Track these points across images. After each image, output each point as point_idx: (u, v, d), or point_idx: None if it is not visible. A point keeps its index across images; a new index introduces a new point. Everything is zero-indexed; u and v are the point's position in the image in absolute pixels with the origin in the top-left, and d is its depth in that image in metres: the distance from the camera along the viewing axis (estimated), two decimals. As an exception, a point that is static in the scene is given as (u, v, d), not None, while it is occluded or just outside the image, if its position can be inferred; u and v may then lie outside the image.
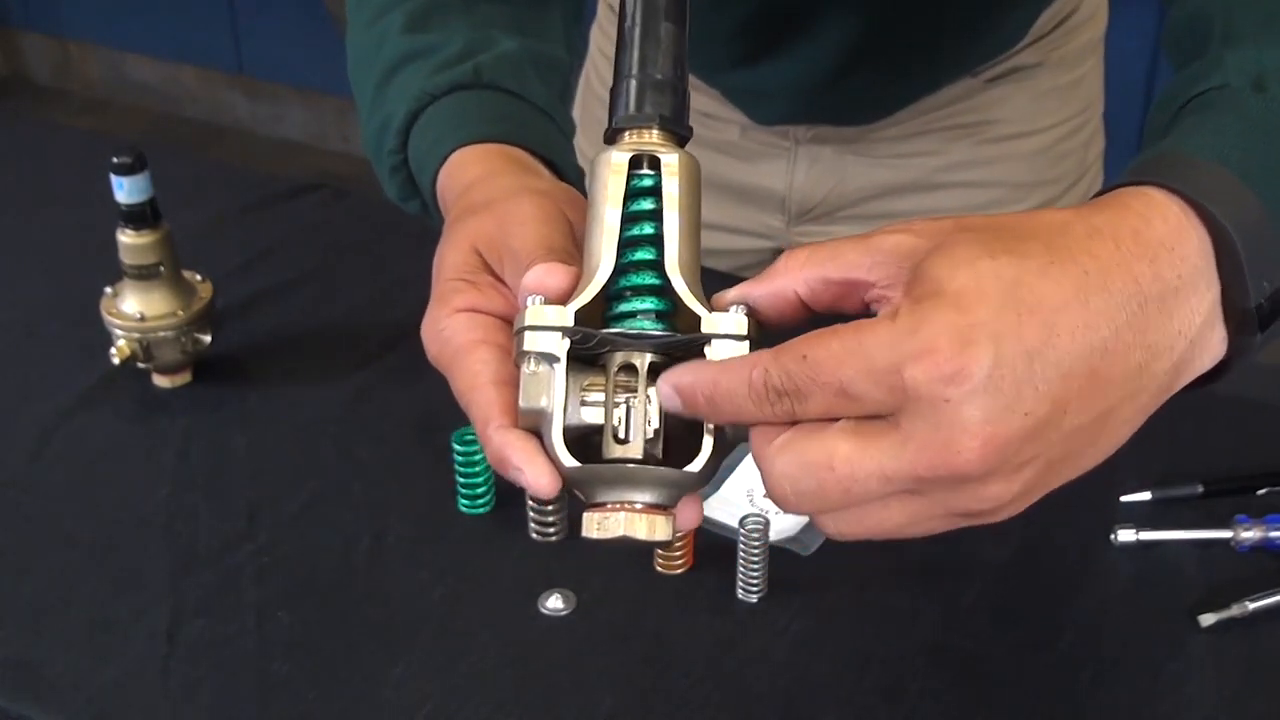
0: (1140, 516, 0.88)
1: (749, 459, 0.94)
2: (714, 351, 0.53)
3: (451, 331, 0.60)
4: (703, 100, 1.11)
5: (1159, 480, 0.91)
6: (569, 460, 0.53)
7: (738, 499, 0.90)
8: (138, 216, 0.97)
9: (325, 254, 1.18)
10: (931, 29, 0.99)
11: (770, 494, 0.51)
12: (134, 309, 0.99)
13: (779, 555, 0.85)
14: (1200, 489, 0.90)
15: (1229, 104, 0.57)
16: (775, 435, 0.50)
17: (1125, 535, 0.86)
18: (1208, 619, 0.81)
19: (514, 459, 0.55)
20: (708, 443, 0.53)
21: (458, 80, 0.74)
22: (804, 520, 0.89)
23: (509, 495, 0.90)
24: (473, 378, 0.58)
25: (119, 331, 0.99)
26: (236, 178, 1.35)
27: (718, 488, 0.91)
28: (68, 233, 1.21)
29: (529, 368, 0.54)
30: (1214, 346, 0.52)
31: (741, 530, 0.82)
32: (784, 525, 0.88)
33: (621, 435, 0.54)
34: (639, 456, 0.53)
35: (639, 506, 0.53)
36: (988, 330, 0.46)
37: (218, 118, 3.50)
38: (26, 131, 1.52)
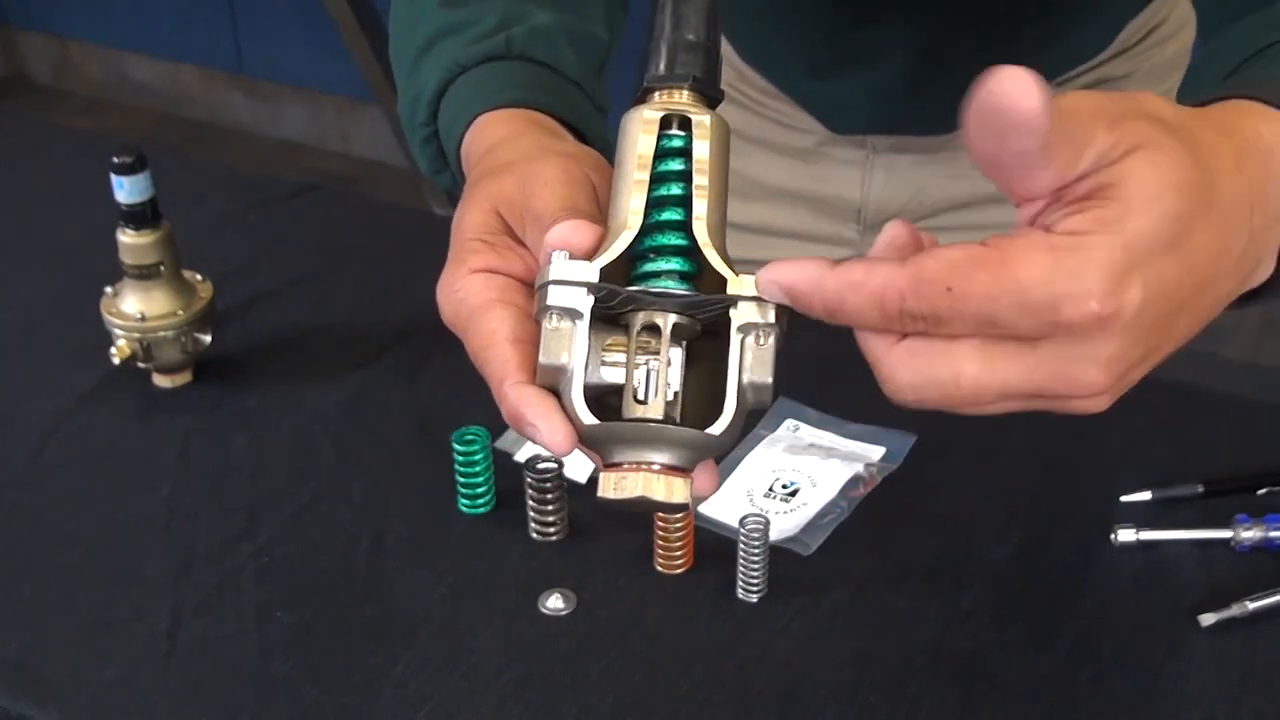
0: (1140, 516, 0.88)
1: (749, 459, 0.94)
2: (739, 315, 0.53)
3: (467, 292, 0.59)
4: (780, 108, 1.11)
5: (1159, 480, 0.91)
6: (589, 418, 0.53)
7: (738, 499, 0.90)
8: (138, 216, 0.97)
9: (325, 254, 1.18)
10: (1005, 34, 0.98)
11: (888, 391, 0.50)
12: (134, 309, 0.99)
13: (779, 555, 0.85)
14: (1200, 489, 0.90)
15: None
16: (893, 337, 0.50)
17: (1125, 535, 0.86)
18: (1208, 619, 0.81)
19: (529, 414, 0.54)
20: (729, 407, 0.52)
21: (489, 51, 0.74)
22: (804, 520, 0.89)
23: (509, 495, 0.90)
24: (489, 335, 0.57)
25: (119, 331, 0.99)
26: (236, 178, 1.35)
27: (721, 483, 0.91)
28: (68, 233, 1.21)
29: (551, 323, 0.53)
30: (1263, 272, 0.54)
31: (741, 530, 0.82)
32: (784, 525, 0.88)
33: (641, 396, 0.53)
34: (659, 417, 0.53)
35: (657, 467, 0.53)
36: (1147, 276, 0.46)
37: (218, 118, 3.50)
38: (26, 131, 1.52)
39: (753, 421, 0.97)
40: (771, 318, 0.53)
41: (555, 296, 0.53)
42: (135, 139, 1.65)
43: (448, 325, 0.60)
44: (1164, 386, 1.04)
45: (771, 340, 0.53)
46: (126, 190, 0.96)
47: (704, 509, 0.89)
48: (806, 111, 1.10)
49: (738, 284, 0.53)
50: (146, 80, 3.57)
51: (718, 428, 0.53)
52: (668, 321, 0.54)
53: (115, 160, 0.95)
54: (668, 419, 0.53)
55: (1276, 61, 0.60)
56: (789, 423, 0.97)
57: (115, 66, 3.59)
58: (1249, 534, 0.86)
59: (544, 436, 0.54)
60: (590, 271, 0.53)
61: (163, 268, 0.99)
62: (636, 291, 0.54)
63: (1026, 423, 0.97)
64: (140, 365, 1.00)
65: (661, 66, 0.56)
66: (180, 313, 0.99)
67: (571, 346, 0.53)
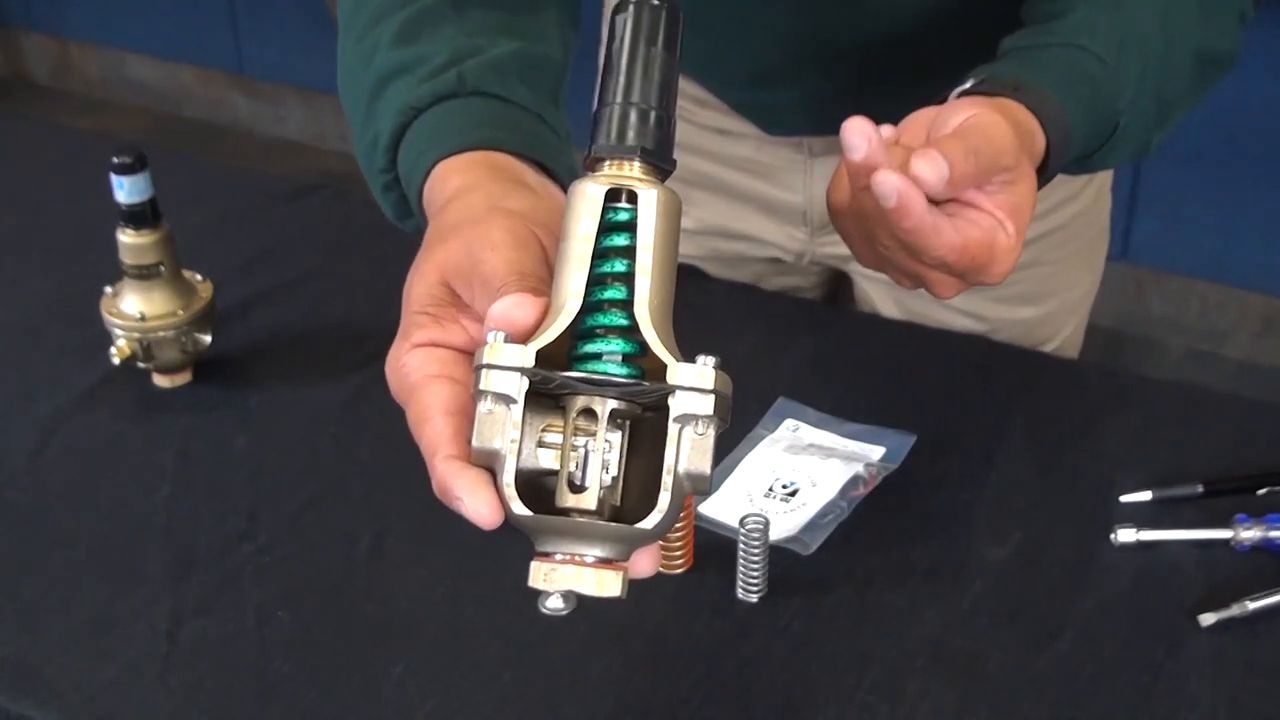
0: (1140, 516, 0.88)
1: (749, 459, 0.94)
2: (678, 404, 0.51)
3: (410, 367, 0.58)
4: (714, 116, 1.10)
5: (1159, 480, 0.91)
6: (520, 509, 0.51)
7: (738, 499, 0.90)
8: (138, 216, 0.97)
9: (325, 254, 1.18)
10: (947, 49, 0.98)
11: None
12: (134, 309, 0.99)
13: (779, 555, 0.85)
14: (1200, 489, 0.90)
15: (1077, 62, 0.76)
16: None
17: (1125, 535, 0.87)
18: (1208, 619, 0.81)
19: (455, 487, 0.53)
20: (664, 499, 0.51)
21: (440, 91, 0.72)
22: (804, 520, 0.89)
23: (509, 495, 0.90)
24: (425, 409, 0.56)
25: (119, 331, 0.99)
26: (236, 178, 1.35)
27: (716, 488, 0.91)
28: (68, 233, 1.21)
29: (485, 407, 0.52)
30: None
31: (741, 530, 0.82)
32: (784, 525, 0.88)
33: (578, 482, 0.52)
34: (592, 508, 0.52)
35: (590, 560, 0.52)
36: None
37: (218, 118, 3.50)
38: (26, 131, 1.52)
39: (753, 421, 0.97)
40: (710, 409, 0.51)
41: (488, 381, 0.52)
42: (135, 139, 1.65)
43: (394, 399, 0.59)
44: (1164, 386, 1.05)
45: (711, 430, 0.51)
46: (126, 190, 0.96)
47: (704, 509, 0.89)
48: (741, 116, 1.09)
49: (676, 372, 0.51)
50: (146, 80, 3.57)
51: (650, 521, 0.51)
52: (605, 407, 0.52)
53: (115, 160, 0.95)
54: (603, 506, 0.52)
55: (1033, 67, 0.76)
56: (789, 423, 0.97)
57: (115, 66, 3.59)
58: (1249, 534, 0.86)
59: (468, 510, 0.52)
60: (525, 356, 0.52)
61: (163, 268, 0.99)
62: (572, 377, 0.52)
63: (1026, 423, 0.98)
64: (140, 365, 1.00)
65: (612, 135, 0.54)
66: (180, 313, 0.99)
67: (504, 432, 0.52)
